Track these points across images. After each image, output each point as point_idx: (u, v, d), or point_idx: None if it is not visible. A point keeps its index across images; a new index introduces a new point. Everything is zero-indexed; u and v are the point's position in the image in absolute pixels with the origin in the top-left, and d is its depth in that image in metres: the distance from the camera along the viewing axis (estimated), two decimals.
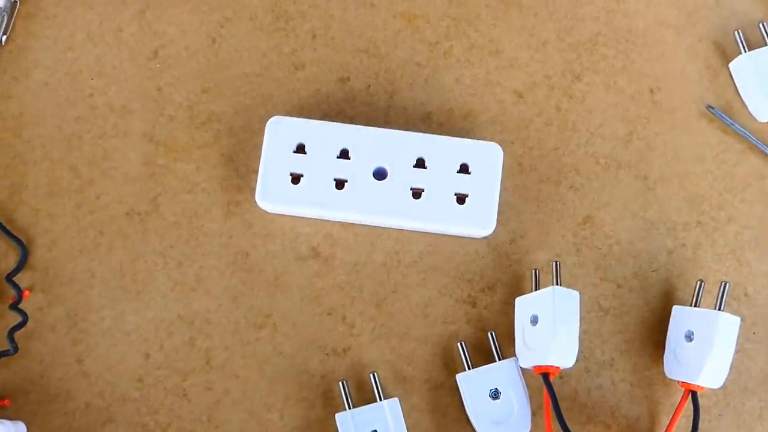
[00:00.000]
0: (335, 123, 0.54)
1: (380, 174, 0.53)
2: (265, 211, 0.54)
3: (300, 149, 0.53)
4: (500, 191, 0.54)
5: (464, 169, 0.53)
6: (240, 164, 0.56)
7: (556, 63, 0.58)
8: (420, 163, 0.53)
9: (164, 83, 0.57)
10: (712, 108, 0.57)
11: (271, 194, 0.53)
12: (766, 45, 0.57)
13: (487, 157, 0.53)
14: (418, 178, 0.53)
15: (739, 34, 0.58)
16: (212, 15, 0.58)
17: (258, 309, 0.54)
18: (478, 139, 0.55)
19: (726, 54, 0.59)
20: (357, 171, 0.53)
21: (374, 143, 0.53)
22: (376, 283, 0.54)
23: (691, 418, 0.51)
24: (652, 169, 0.57)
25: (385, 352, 0.54)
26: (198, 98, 0.57)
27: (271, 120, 0.53)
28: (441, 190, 0.53)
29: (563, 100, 0.58)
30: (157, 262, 0.54)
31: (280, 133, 0.53)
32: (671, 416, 0.52)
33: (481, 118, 0.57)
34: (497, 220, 0.53)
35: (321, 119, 0.55)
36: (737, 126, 0.57)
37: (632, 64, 0.59)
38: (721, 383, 0.51)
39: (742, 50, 0.57)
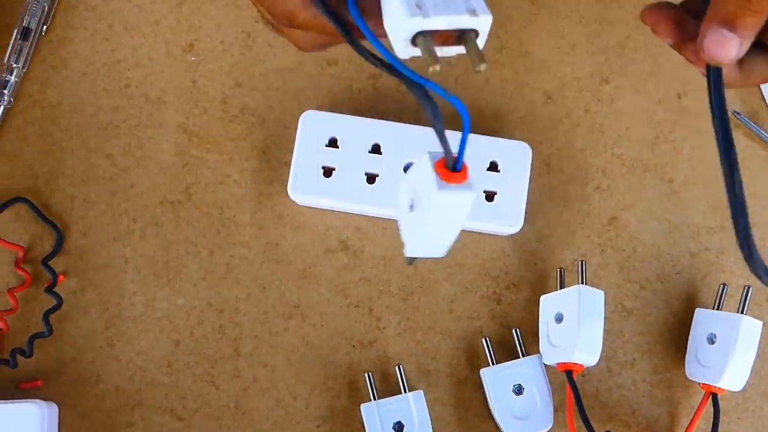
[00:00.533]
0: (367, 118, 0.55)
1: None
2: (296, 204, 0.55)
3: (332, 143, 0.54)
4: (528, 190, 0.54)
5: (494, 167, 0.54)
6: (272, 157, 0.57)
7: (585, 65, 0.59)
8: None
9: (199, 76, 0.58)
10: (738, 114, 0.58)
11: (303, 186, 0.53)
12: None
13: (517, 156, 0.54)
14: None
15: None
16: (247, 10, 0.59)
17: (286, 299, 0.55)
18: (506, 138, 0.56)
19: None
20: (388, 166, 0.54)
21: (405, 139, 0.54)
22: (403, 278, 0.55)
23: (711, 420, 0.52)
24: (678, 173, 0.58)
25: (410, 345, 0.55)
26: (232, 91, 0.58)
27: (304, 114, 0.54)
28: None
29: (591, 103, 0.59)
30: (189, 250, 0.55)
31: (313, 126, 0.54)
32: (691, 417, 0.53)
33: (510, 117, 0.58)
34: (524, 218, 0.54)
35: (352, 115, 0.56)
36: (763, 132, 0.58)
37: (660, 68, 0.59)
38: (742, 386, 0.52)
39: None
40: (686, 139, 0.58)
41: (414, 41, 0.37)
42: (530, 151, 0.54)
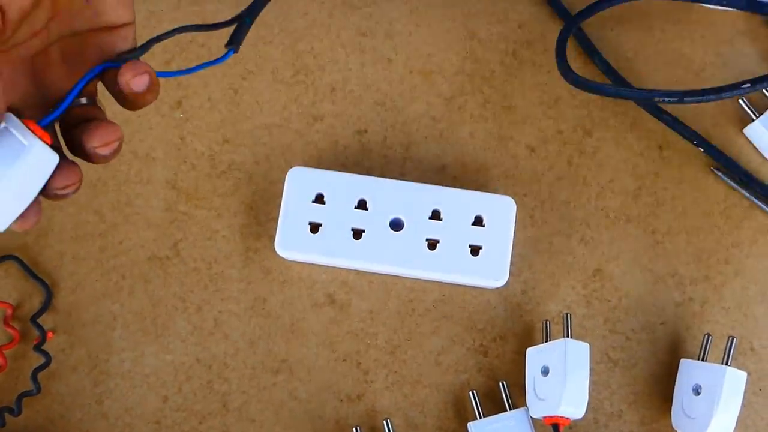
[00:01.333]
0: (353, 174, 0.55)
1: (397, 225, 0.54)
2: (284, 259, 0.56)
3: (319, 199, 0.55)
4: (513, 243, 0.55)
5: (478, 221, 0.55)
6: (259, 212, 0.57)
7: (568, 119, 0.60)
8: (435, 215, 0.55)
9: (187, 132, 0.59)
10: (718, 170, 0.59)
11: (290, 243, 0.54)
12: None
13: (501, 210, 0.55)
14: (434, 229, 0.54)
15: (744, 101, 0.59)
16: (235, 68, 0.60)
17: (274, 354, 0.55)
18: (491, 192, 0.56)
19: (733, 112, 0.60)
20: (374, 221, 0.54)
21: (391, 194, 0.55)
22: (390, 331, 0.56)
23: None
24: (661, 224, 0.58)
25: (398, 399, 0.55)
26: (219, 147, 0.58)
27: (291, 171, 0.55)
28: (456, 242, 0.54)
29: (574, 155, 0.59)
30: (177, 306, 0.56)
31: (300, 183, 0.55)
32: None
33: (495, 171, 0.59)
34: (509, 271, 0.55)
35: (338, 170, 0.56)
36: (743, 190, 0.58)
37: (641, 121, 0.60)
38: None
39: (753, 116, 0.59)
40: (668, 189, 0.59)
41: None
42: (514, 206, 0.55)
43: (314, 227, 0.54)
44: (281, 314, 0.56)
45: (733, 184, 0.58)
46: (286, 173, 0.55)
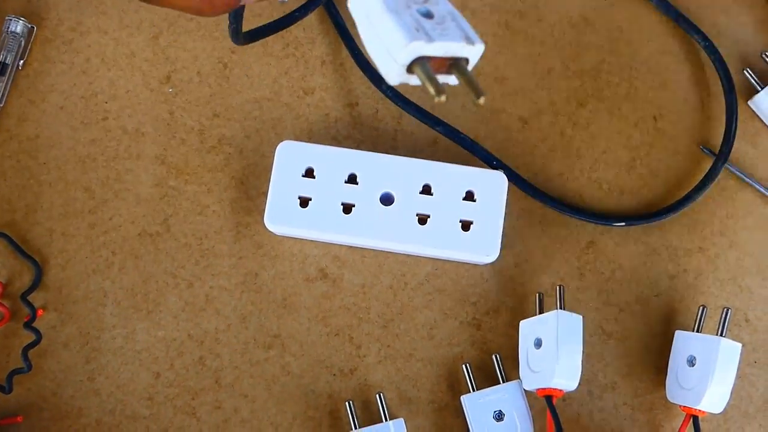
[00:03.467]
0: (344, 148, 0.55)
1: (387, 199, 0.54)
2: (274, 233, 0.55)
3: (309, 173, 0.54)
4: (505, 216, 0.55)
5: (469, 196, 0.54)
6: (250, 187, 0.57)
7: (561, 90, 0.60)
8: (426, 190, 0.54)
9: (176, 107, 0.58)
10: (706, 148, 0.58)
11: (280, 217, 0.54)
12: None
13: (492, 185, 0.54)
14: (425, 204, 0.54)
15: (748, 72, 0.59)
16: (224, 41, 0.59)
17: (267, 329, 0.55)
18: (483, 165, 0.56)
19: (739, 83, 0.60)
20: (364, 196, 0.54)
21: (382, 169, 0.54)
22: (382, 305, 0.55)
23: None
24: (655, 196, 0.58)
25: (391, 372, 0.55)
26: (209, 122, 0.58)
27: (281, 144, 0.54)
28: (446, 217, 0.54)
29: (567, 127, 0.59)
30: (168, 282, 0.55)
31: (290, 157, 0.54)
32: None
33: (487, 144, 0.58)
34: (502, 244, 0.54)
35: (329, 144, 0.56)
36: (733, 168, 0.58)
37: (636, 91, 0.60)
38: (722, 408, 0.52)
39: (758, 87, 0.58)
40: (662, 161, 0.59)
41: (410, 68, 0.37)
42: (506, 180, 0.54)
43: (304, 202, 0.54)
44: (273, 289, 0.55)
45: (721, 162, 0.58)
46: (276, 147, 0.55)
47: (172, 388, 0.54)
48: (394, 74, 0.37)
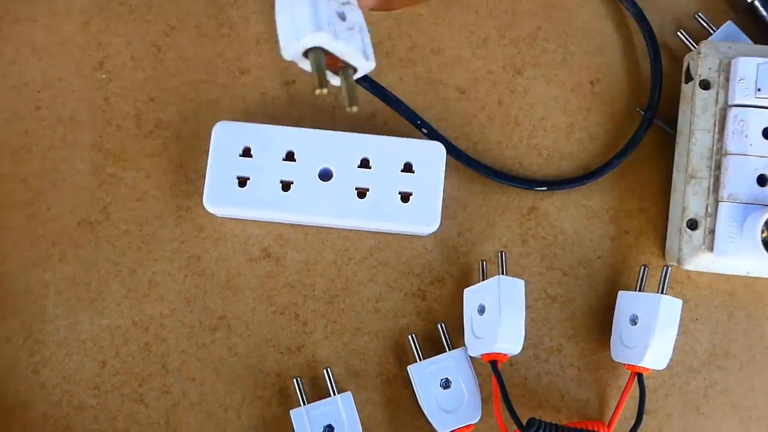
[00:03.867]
0: (280, 126, 0.55)
1: (325, 175, 0.54)
2: (214, 215, 0.55)
3: (246, 153, 0.54)
4: (446, 186, 0.55)
5: (408, 168, 0.54)
6: (189, 170, 0.56)
7: (498, 58, 0.60)
8: (364, 164, 0.54)
9: (111, 93, 0.58)
10: (643, 110, 0.59)
11: (218, 198, 0.53)
12: (711, 33, 0.59)
13: (430, 156, 0.54)
14: (363, 178, 0.54)
15: (682, 33, 0.59)
16: (156, 24, 0.59)
17: (212, 311, 0.55)
18: (422, 137, 0.56)
19: (664, 42, 0.60)
20: (302, 173, 0.54)
21: (319, 145, 0.54)
22: (327, 281, 0.55)
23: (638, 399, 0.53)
24: (594, 159, 0.58)
25: (338, 347, 0.55)
26: (145, 107, 0.57)
27: (217, 125, 0.54)
28: (385, 190, 0.54)
29: (505, 95, 0.59)
30: (110, 270, 0.55)
31: (226, 137, 0.54)
32: (619, 398, 0.53)
33: (425, 115, 0.58)
34: (444, 214, 0.54)
35: (268, 123, 0.56)
36: (667, 128, 0.58)
37: (572, 56, 0.60)
38: (665, 365, 0.52)
39: (691, 47, 0.58)
40: (600, 125, 0.59)
41: (308, 53, 0.38)
42: (444, 150, 0.54)
43: (242, 181, 0.54)
44: (216, 271, 0.55)
45: (658, 122, 0.58)
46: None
47: (118, 376, 0.54)
48: (291, 51, 0.38)
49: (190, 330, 0.54)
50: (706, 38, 0.57)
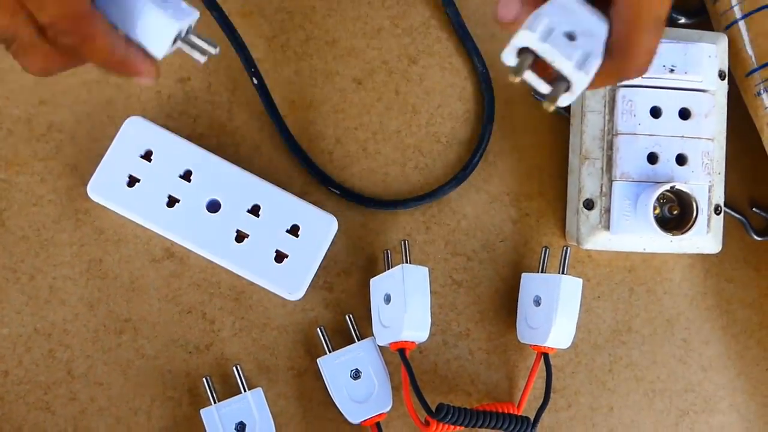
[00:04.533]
0: (190, 143, 0.54)
1: (213, 206, 0.53)
2: (115, 216, 0.54)
3: (147, 156, 0.53)
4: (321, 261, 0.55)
5: (294, 230, 0.54)
6: (85, 172, 0.55)
7: (392, 48, 0.60)
8: (254, 210, 0.54)
9: (0, 96, 0.56)
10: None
11: (103, 190, 0.53)
12: None
13: (320, 227, 0.54)
14: (248, 223, 0.53)
15: None
16: None
17: (116, 314, 0.54)
18: (320, 129, 0.56)
19: None
20: (193, 195, 0.53)
21: (219, 175, 0.54)
22: (233, 278, 0.55)
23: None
24: (492, 144, 0.59)
25: (247, 344, 0.54)
26: (36, 110, 0.56)
27: (129, 119, 0.53)
28: (265, 243, 0.53)
29: (402, 84, 0.59)
30: (8, 277, 0.54)
31: (134, 134, 0.53)
32: (527, 379, 0.54)
33: (323, 107, 0.58)
34: (347, 205, 0.55)
35: (164, 122, 0.55)
36: (562, 111, 0.59)
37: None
38: (569, 343, 0.54)
39: None
40: (497, 110, 0.60)
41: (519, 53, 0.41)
42: (335, 226, 0.54)
43: (132, 181, 0.53)
44: (119, 273, 0.54)
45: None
46: (110, 130, 0.54)
47: (22, 385, 0.53)
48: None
49: (94, 334, 0.54)
50: None
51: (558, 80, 0.40)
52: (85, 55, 0.42)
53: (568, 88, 0.40)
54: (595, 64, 0.39)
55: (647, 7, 0.40)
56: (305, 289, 0.54)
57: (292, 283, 0.53)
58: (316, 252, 0.54)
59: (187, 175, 0.53)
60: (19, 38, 0.40)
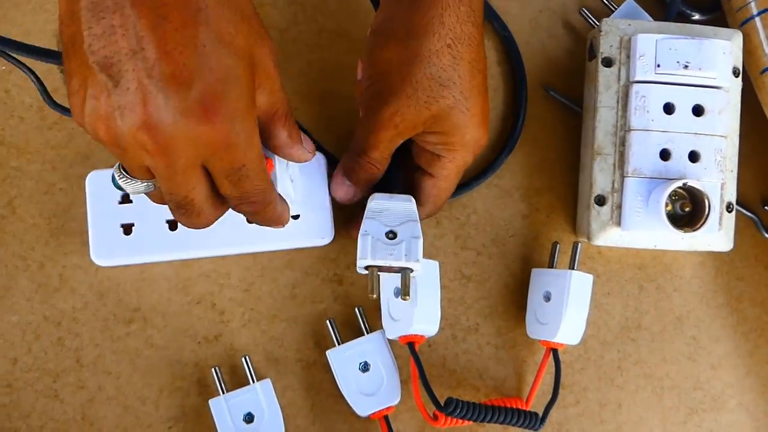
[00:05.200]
0: None
1: None
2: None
3: (125, 200, 0.53)
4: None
5: None
6: (97, 160, 0.55)
7: None
8: None
9: (12, 85, 0.56)
10: (551, 90, 0.60)
11: (106, 251, 0.52)
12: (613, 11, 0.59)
13: (311, 170, 0.53)
14: None
15: (584, 12, 0.59)
16: (56, 13, 0.57)
17: (126, 304, 0.54)
18: (331, 121, 0.56)
19: (568, 20, 0.61)
20: None
21: None
22: (242, 269, 0.55)
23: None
24: (503, 139, 0.59)
25: (256, 335, 0.54)
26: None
27: (89, 177, 0.52)
28: None
29: None
30: (18, 265, 0.54)
31: (101, 186, 0.52)
32: (536, 374, 0.54)
33: (335, 99, 0.58)
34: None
35: None
36: (575, 106, 0.59)
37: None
38: (579, 339, 0.53)
39: (594, 24, 0.59)
40: (508, 105, 0.59)
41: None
42: (324, 161, 0.54)
43: (127, 228, 0.52)
44: None
45: (565, 101, 0.59)
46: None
47: (31, 373, 0.53)
48: (359, 268, 0.49)
49: (104, 323, 0.54)
50: (608, 16, 0.58)
51: (402, 270, 0.48)
52: (255, 216, 0.45)
53: (412, 270, 0.48)
54: (419, 243, 0.48)
55: (445, 195, 0.52)
56: (333, 229, 0.54)
57: (318, 230, 0.54)
58: (322, 192, 0.54)
59: None
60: (195, 205, 0.41)
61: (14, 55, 0.43)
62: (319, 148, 0.55)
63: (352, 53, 0.59)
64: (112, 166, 0.46)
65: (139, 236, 0.52)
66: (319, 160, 0.54)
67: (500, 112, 0.59)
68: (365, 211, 0.49)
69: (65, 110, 0.45)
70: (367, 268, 0.48)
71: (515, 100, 0.59)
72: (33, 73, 0.44)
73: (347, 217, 0.54)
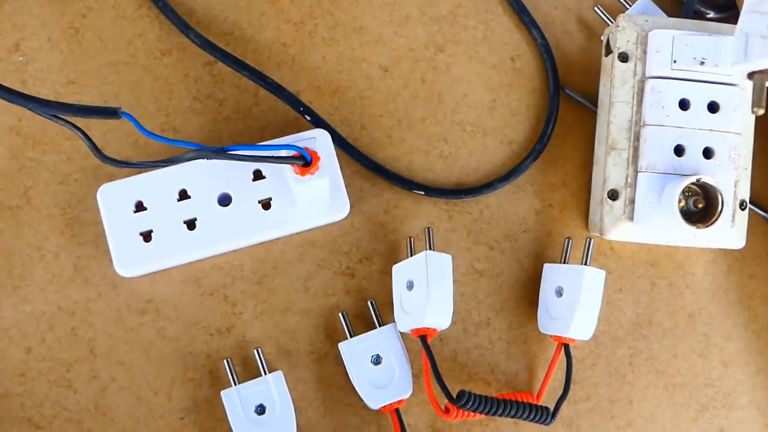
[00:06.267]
0: (161, 170, 0.53)
1: (225, 199, 0.53)
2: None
3: (140, 207, 0.53)
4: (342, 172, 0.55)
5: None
6: (112, 152, 0.55)
7: (419, 36, 0.60)
8: (257, 175, 0.54)
9: (28, 76, 0.56)
10: (565, 88, 0.60)
11: (129, 260, 0.52)
12: (627, 8, 0.60)
13: (318, 146, 0.52)
14: (261, 189, 0.53)
15: (598, 8, 0.60)
16: (73, 5, 0.58)
17: (139, 294, 0.54)
18: (345, 115, 0.56)
19: (583, 19, 0.61)
20: (202, 206, 0.53)
21: (207, 174, 0.53)
22: (255, 261, 0.55)
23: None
24: (517, 134, 0.59)
25: (268, 327, 0.55)
26: (64, 89, 0.56)
27: (100, 190, 0.53)
28: (287, 194, 0.53)
29: (428, 72, 0.59)
30: (33, 255, 0.54)
31: (114, 199, 0.52)
32: (547, 369, 0.54)
33: (349, 94, 0.58)
34: (371, 192, 0.55)
35: (191, 104, 0.55)
36: (589, 104, 0.59)
37: (492, 33, 0.61)
38: (590, 335, 0.53)
39: (608, 22, 0.59)
40: (522, 100, 0.60)
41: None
42: (329, 136, 0.54)
43: (147, 235, 0.52)
44: None
45: (579, 98, 0.59)
46: (137, 111, 0.54)
47: (45, 362, 0.53)
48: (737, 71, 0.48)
49: (117, 314, 0.54)
50: (622, 13, 0.58)
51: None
52: None
53: None
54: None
55: None
56: (348, 203, 0.54)
57: (333, 205, 0.54)
58: (332, 166, 0.54)
59: (183, 195, 0.53)
60: None
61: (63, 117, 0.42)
62: (322, 123, 0.55)
63: (367, 47, 0.59)
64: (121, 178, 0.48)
65: (159, 241, 0.52)
66: (324, 137, 0.54)
67: (529, 116, 0.59)
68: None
69: (120, 163, 0.45)
70: (750, 76, 0.43)
71: (547, 107, 0.59)
72: (80, 130, 0.44)
73: None
